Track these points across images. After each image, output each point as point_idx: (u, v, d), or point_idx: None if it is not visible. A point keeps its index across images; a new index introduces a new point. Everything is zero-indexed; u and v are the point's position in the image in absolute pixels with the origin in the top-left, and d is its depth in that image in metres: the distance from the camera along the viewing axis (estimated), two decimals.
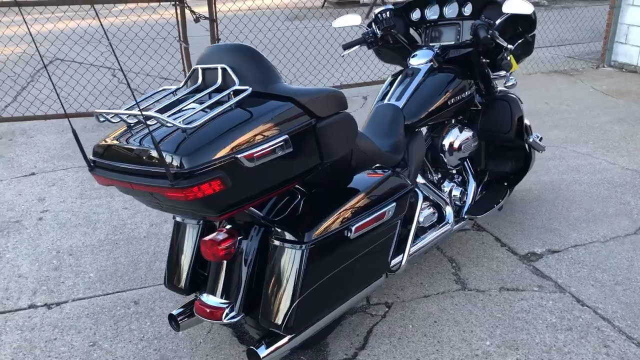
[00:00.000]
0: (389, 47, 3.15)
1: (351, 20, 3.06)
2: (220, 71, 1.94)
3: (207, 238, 2.04)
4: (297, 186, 2.07)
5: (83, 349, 2.39)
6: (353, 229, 2.03)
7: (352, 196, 2.09)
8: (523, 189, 3.80)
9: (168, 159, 1.66)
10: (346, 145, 2.05)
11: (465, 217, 2.90)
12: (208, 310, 2.06)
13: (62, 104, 1.92)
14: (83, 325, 2.54)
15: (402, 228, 2.51)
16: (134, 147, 1.76)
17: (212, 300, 2.09)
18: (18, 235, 3.36)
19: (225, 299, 2.08)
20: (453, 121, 2.98)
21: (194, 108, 1.83)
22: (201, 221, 2.25)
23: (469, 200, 2.98)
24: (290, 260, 1.93)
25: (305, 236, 1.93)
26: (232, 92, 1.87)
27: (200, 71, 2.00)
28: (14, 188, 4.05)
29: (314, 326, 2.06)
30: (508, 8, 2.59)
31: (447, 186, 2.90)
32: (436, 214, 2.79)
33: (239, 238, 2.08)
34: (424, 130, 2.85)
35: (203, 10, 5.11)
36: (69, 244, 3.23)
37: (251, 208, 2.02)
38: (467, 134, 2.86)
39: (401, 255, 2.38)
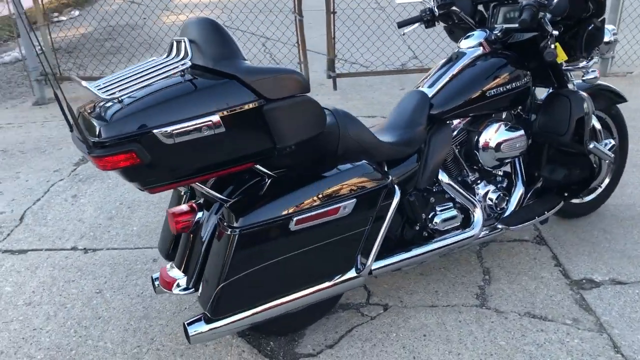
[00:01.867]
0: (456, 26, 2.82)
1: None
2: (183, 44, 1.92)
3: (170, 209, 2.07)
4: (260, 168, 1.98)
5: (88, 295, 2.60)
6: (294, 220, 1.89)
7: (304, 186, 1.95)
8: (622, 204, 3.19)
9: (97, 129, 1.69)
10: (304, 131, 1.90)
11: (499, 225, 2.53)
12: (163, 280, 2.10)
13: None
14: (101, 273, 2.76)
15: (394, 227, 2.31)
16: (85, 117, 1.82)
17: (174, 271, 2.12)
18: (100, 184, 3.74)
19: (183, 272, 2.10)
20: (504, 115, 2.59)
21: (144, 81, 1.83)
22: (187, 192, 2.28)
23: (511, 207, 2.59)
24: (223, 243, 1.87)
25: (240, 220, 1.85)
26: (178, 66, 1.84)
27: (174, 43, 2.00)
28: None
29: (255, 315, 1.98)
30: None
31: (482, 188, 2.55)
32: (459, 217, 2.47)
33: (198, 214, 2.07)
34: (456, 122, 2.52)
35: None
36: (133, 198, 3.51)
37: (205, 185, 1.98)
38: (511, 132, 2.46)
39: (369, 258, 2.16)
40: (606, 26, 2.53)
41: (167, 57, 1.94)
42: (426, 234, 2.45)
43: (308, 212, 1.91)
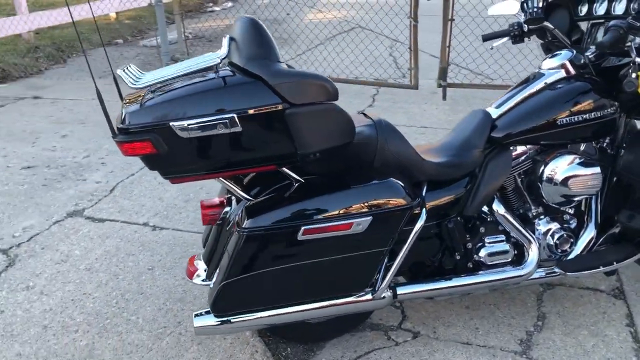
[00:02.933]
0: (552, 43, 2.56)
1: (507, 8, 2.58)
2: (226, 41, 1.95)
3: (202, 200, 2.12)
4: (287, 171, 1.95)
5: (140, 270, 2.75)
6: (302, 230, 1.83)
7: (322, 195, 1.88)
8: None
9: (123, 115, 1.77)
10: (328, 140, 1.83)
11: (556, 269, 2.26)
12: (188, 268, 2.16)
13: None
14: (160, 250, 2.91)
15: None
16: (123, 105, 1.91)
17: (199, 262, 2.18)
18: None
19: (205, 263, 2.14)
20: (582, 147, 2.30)
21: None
22: None
23: (577, 250, 2.29)
24: (232, 242, 1.87)
25: (248, 222, 1.84)
26: (219, 63, 1.87)
27: (226, 40, 2.03)
28: None
29: (259, 319, 1.96)
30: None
31: (543, 225, 2.28)
32: (510, 253, 2.25)
33: (226, 208, 2.09)
34: (522, 149, 2.28)
35: None
36: (213, 183, 3.65)
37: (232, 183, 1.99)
38: (583, 168, 2.17)
39: (384, 282, 2.03)
40: None
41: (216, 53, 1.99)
42: (471, 265, 2.26)
43: (318, 223, 1.84)
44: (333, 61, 6.01)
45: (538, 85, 2.24)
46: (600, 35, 2.36)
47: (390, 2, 6.20)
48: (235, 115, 1.73)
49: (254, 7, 8.21)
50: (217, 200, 2.12)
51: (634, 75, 2.01)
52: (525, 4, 2.44)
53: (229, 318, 1.94)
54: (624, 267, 2.66)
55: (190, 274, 2.14)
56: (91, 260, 2.84)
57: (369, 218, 1.88)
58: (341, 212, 1.87)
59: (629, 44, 2.03)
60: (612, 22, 2.03)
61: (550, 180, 2.19)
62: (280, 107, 1.76)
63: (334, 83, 1.82)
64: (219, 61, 1.84)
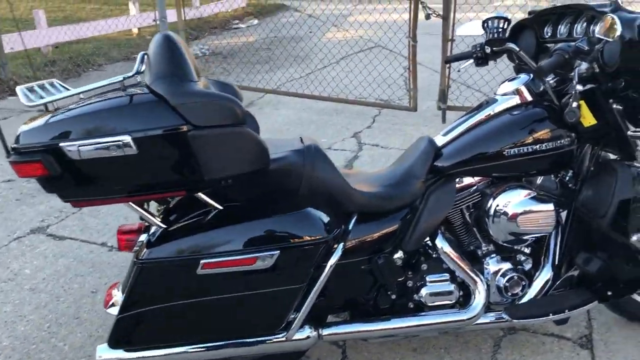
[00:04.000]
0: (521, 67, 2.37)
1: (473, 29, 2.42)
2: (139, 58, 1.86)
3: (120, 226, 2.01)
4: (203, 197, 1.83)
5: (84, 293, 2.66)
6: (201, 264, 1.70)
7: (229, 225, 1.75)
8: None
9: (18, 134, 1.68)
10: (236, 166, 1.70)
11: (503, 315, 2.05)
12: (105, 297, 2.05)
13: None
14: (108, 273, 2.82)
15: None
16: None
17: (117, 291, 2.06)
18: None
19: (122, 293, 2.03)
20: (539, 181, 2.10)
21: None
22: None
23: (530, 294, 2.08)
24: (130, 273, 1.75)
25: (145, 252, 1.72)
26: (123, 81, 1.77)
27: (141, 57, 1.94)
28: None
29: (163, 357, 1.82)
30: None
31: (493, 264, 2.08)
32: (454, 294, 2.05)
33: (143, 235, 1.97)
34: (471, 180, 2.09)
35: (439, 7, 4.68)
36: None
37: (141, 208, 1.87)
38: (534, 204, 1.97)
39: (295, 322, 1.87)
40: None
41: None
42: (412, 305, 2.08)
43: (219, 256, 1.71)
44: (342, 81, 5.88)
45: (488, 112, 2.06)
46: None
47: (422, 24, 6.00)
48: (130, 137, 1.61)
49: (278, 25, 8.18)
50: (136, 225, 2.00)
51: (574, 104, 1.82)
52: (486, 25, 2.27)
53: (126, 352, 1.81)
54: (598, 312, 2.44)
55: (106, 303, 2.02)
56: (38, 280, 2.76)
57: (276, 252, 1.73)
58: (246, 245, 1.73)
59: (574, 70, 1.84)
60: (558, 46, 1.84)
61: (498, 216, 1.99)
62: (182, 129, 1.64)
63: (242, 106, 1.70)
64: (122, 79, 1.74)
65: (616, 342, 2.30)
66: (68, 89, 1.84)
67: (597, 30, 1.80)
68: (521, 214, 1.97)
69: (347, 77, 6.05)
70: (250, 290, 1.76)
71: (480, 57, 2.33)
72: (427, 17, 4.49)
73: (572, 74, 1.84)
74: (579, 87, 1.81)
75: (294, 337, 1.89)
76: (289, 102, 5.78)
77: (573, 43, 1.85)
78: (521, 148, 1.96)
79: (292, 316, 1.86)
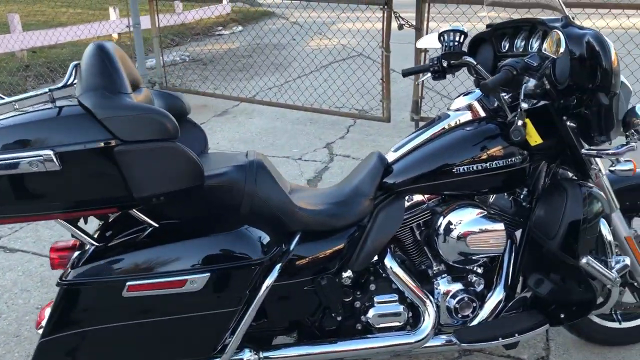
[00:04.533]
0: (479, 81, 2.31)
1: (433, 42, 2.35)
2: (70, 69, 1.79)
3: (55, 243, 1.92)
4: (138, 214, 1.75)
5: (28, 309, 2.56)
6: (126, 286, 1.61)
7: (160, 245, 1.67)
8: None
9: None
10: (167, 183, 1.62)
11: (452, 338, 1.98)
12: (37, 317, 1.95)
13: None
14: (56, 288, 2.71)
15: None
16: None
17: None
18: None
19: None
20: (491, 199, 2.03)
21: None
22: None
23: (481, 316, 2.01)
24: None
25: (69, 273, 1.63)
26: (52, 93, 1.68)
27: (72, 68, 1.86)
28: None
29: None
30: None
31: (443, 285, 2.01)
32: (403, 315, 1.98)
33: (76, 252, 1.88)
34: (421, 198, 2.02)
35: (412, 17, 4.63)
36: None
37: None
38: (483, 224, 1.91)
39: (229, 347, 1.79)
40: None
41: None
42: (360, 327, 2.01)
43: (146, 278, 1.62)
44: (318, 90, 5.80)
45: (439, 128, 2.00)
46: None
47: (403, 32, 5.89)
48: (52, 152, 1.53)
49: (261, 33, 8.05)
50: (70, 242, 1.91)
51: (519, 122, 1.75)
52: (442, 38, 2.21)
53: None
54: (557, 333, 2.38)
55: (37, 323, 1.92)
56: None
57: (206, 275, 1.65)
58: (175, 266, 1.64)
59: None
60: (506, 61, 1.79)
61: (447, 235, 1.93)
62: (109, 143, 1.56)
63: (174, 121, 1.62)
64: (47, 91, 1.67)
65: None
66: (2, 98, 1.76)
67: (544, 46, 1.74)
68: (471, 233, 1.91)
69: (324, 86, 5.96)
70: (181, 314, 1.68)
71: (437, 70, 2.27)
72: (400, 27, 4.43)
73: (519, 90, 1.77)
74: (524, 105, 1.75)
75: None
76: (264, 110, 5.71)
77: (522, 59, 1.79)
78: (470, 166, 1.89)
79: (229, 340, 1.77)
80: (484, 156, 1.89)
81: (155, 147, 1.59)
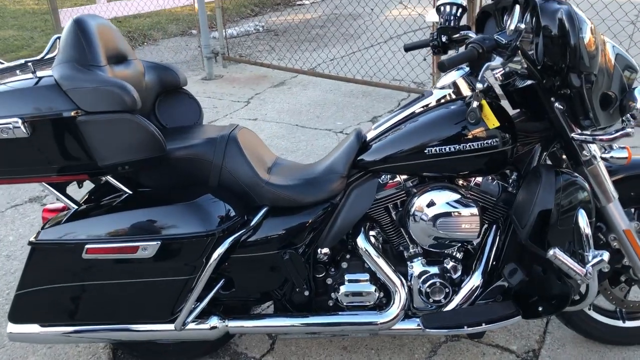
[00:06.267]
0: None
1: (435, 16, 2.26)
2: (50, 42, 1.90)
3: (47, 205, 2.07)
4: (113, 181, 1.86)
5: None
6: (85, 249, 1.71)
7: (121, 211, 1.76)
8: None
9: None
10: (127, 153, 1.70)
11: (419, 324, 1.93)
12: None
13: None
14: None
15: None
16: None
17: None
18: None
19: None
20: (488, 182, 1.93)
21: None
22: None
23: (454, 302, 1.94)
24: None
25: (40, 234, 1.76)
26: (29, 64, 1.80)
27: (53, 41, 1.97)
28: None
29: (63, 336, 1.88)
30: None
31: (417, 267, 1.95)
32: (373, 296, 1.96)
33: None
34: (400, 178, 1.95)
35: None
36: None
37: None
38: (455, 207, 1.82)
39: (183, 314, 1.86)
40: None
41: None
42: (331, 304, 2.01)
43: (102, 243, 1.71)
44: (381, 60, 5.68)
45: (420, 106, 1.93)
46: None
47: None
48: (20, 120, 1.65)
49: (345, 1, 7.91)
50: (60, 205, 2.05)
51: (475, 104, 1.64)
52: (440, 11, 2.11)
53: (27, 327, 1.87)
54: (557, 327, 2.25)
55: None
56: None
57: (157, 243, 1.71)
58: (130, 233, 1.72)
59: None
60: (474, 38, 1.68)
61: (417, 217, 1.87)
62: (72, 113, 1.66)
63: (134, 93, 1.68)
64: (23, 62, 1.79)
65: None
66: None
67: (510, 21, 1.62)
68: (442, 216, 1.84)
69: (385, 59, 5.84)
70: (136, 279, 1.77)
71: (437, 45, 2.17)
72: None
73: (480, 70, 1.66)
74: (479, 86, 1.64)
75: (194, 327, 1.88)
76: (320, 82, 5.69)
77: (494, 35, 1.68)
78: (443, 147, 1.81)
79: (181, 307, 1.84)
80: (458, 137, 1.80)
81: (113, 118, 1.66)
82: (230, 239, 1.78)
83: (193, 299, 1.81)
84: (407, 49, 2.31)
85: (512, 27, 1.62)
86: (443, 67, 1.62)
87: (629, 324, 2.13)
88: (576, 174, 1.77)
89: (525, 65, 1.74)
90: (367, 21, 6.51)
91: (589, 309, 2.12)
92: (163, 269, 1.76)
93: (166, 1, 8.54)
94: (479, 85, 1.63)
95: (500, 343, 2.21)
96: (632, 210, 2.02)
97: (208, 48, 6.00)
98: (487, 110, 1.70)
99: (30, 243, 1.76)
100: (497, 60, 1.65)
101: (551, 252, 1.70)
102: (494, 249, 1.96)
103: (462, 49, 1.72)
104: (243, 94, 5.48)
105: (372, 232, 1.99)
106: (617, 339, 2.15)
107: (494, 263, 1.95)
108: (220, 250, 1.76)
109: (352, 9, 6.40)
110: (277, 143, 4.21)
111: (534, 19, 1.66)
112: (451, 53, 2.17)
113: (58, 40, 1.86)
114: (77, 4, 9.12)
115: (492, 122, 1.72)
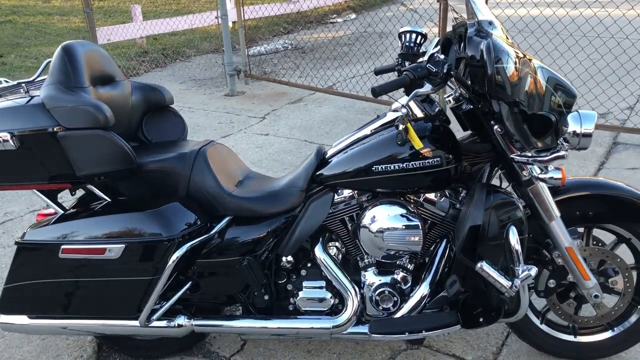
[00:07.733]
0: None
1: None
2: (43, 66, 2.15)
3: (41, 210, 2.31)
4: (94, 189, 2.09)
5: None
6: (61, 249, 1.93)
7: (96, 216, 1.99)
8: None
9: None
10: (101, 165, 1.92)
11: (366, 330, 2.06)
12: None
13: None
14: None
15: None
16: None
17: None
18: None
19: None
20: (440, 198, 2.06)
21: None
22: None
23: (403, 310, 2.06)
24: None
25: (25, 234, 1.99)
26: (24, 86, 2.06)
27: (44, 65, 2.21)
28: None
29: (45, 327, 2.11)
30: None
31: (369, 277, 2.08)
32: (327, 302, 2.11)
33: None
34: (350, 193, 2.10)
35: None
36: None
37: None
38: (398, 221, 1.95)
39: (144, 312, 2.05)
40: (579, 111, 1.80)
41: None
42: (291, 309, 2.17)
43: (74, 244, 1.93)
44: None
45: (373, 126, 2.08)
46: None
47: None
48: (9, 135, 1.89)
49: (376, 19, 8.05)
50: (52, 210, 2.28)
51: (400, 127, 1.79)
52: (402, 38, 2.26)
53: (15, 318, 2.10)
54: (516, 340, 2.34)
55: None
56: None
57: (122, 246, 1.92)
58: (101, 236, 1.94)
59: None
60: (409, 66, 1.83)
61: (366, 229, 2.01)
62: (53, 130, 1.89)
63: (107, 112, 1.90)
64: (16, 84, 2.05)
65: None
66: None
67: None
68: (387, 229, 1.98)
69: None
70: (105, 277, 1.97)
71: (401, 70, 2.32)
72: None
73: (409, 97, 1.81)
74: (404, 111, 1.78)
75: (161, 325, 2.08)
76: (335, 99, 5.88)
77: (426, 64, 1.83)
78: (388, 165, 1.95)
79: (148, 305, 2.04)
80: (402, 157, 1.94)
81: (88, 134, 1.89)
82: (189, 244, 1.97)
83: (154, 298, 2.00)
84: (377, 72, 2.46)
85: (426, 57, 1.77)
86: (375, 93, 1.78)
87: (580, 339, 2.20)
88: (511, 193, 1.88)
89: (464, 91, 1.88)
90: (394, 41, 6.66)
91: (541, 323, 2.21)
92: (128, 270, 1.96)
93: (200, 19, 8.93)
94: (404, 110, 1.78)
95: (457, 353, 2.31)
96: (582, 228, 2.11)
97: (231, 66, 6.27)
98: (412, 132, 1.84)
99: (16, 243, 1.99)
100: (427, 87, 1.79)
101: (479, 265, 1.82)
102: (443, 261, 2.08)
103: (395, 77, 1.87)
104: (260, 110, 5.71)
105: (332, 243, 2.14)
106: (568, 353, 2.22)
107: (446, 275, 2.07)
108: (178, 253, 1.95)
109: (384, 26, 6.55)
110: (283, 158, 4.40)
111: (465, 49, 1.80)
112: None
113: (49, 64, 2.10)
114: (118, 21, 9.60)
115: (417, 144, 1.85)
